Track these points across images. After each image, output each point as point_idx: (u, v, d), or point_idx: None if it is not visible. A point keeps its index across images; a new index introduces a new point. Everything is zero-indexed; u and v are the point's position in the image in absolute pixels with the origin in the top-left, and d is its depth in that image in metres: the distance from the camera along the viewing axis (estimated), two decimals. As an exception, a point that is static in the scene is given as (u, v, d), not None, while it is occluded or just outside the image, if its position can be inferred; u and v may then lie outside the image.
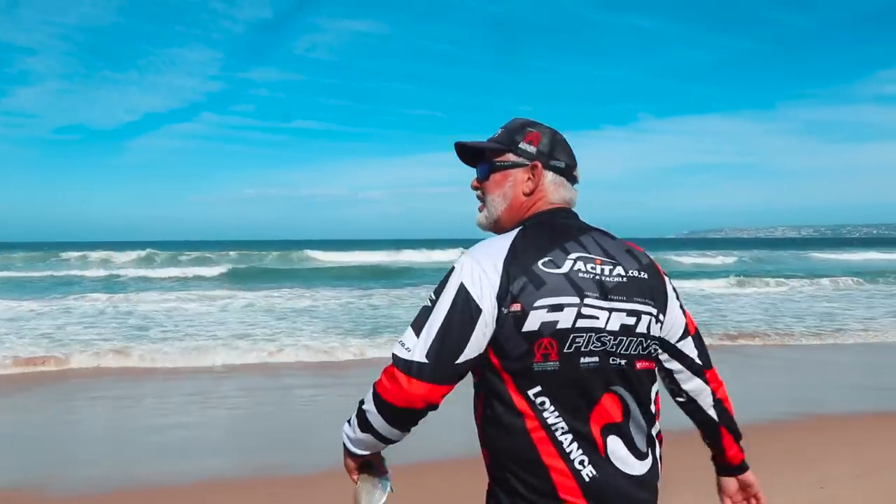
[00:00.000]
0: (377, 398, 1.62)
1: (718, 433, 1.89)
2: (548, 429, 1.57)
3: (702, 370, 1.83)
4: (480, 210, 1.84)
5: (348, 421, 1.73)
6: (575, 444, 1.58)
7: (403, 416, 1.61)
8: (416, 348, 1.57)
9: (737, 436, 1.90)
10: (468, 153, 1.86)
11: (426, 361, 1.55)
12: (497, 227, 1.79)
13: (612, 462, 1.61)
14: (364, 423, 1.67)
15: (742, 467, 1.93)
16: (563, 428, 1.58)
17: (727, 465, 1.93)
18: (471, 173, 1.87)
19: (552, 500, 1.58)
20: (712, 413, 1.86)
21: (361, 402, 1.67)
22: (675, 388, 1.85)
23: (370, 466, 1.80)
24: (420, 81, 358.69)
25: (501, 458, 1.63)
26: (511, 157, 1.77)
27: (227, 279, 29.20)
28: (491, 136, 1.82)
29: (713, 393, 1.85)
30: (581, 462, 1.58)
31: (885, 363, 11.02)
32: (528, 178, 1.75)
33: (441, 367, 1.56)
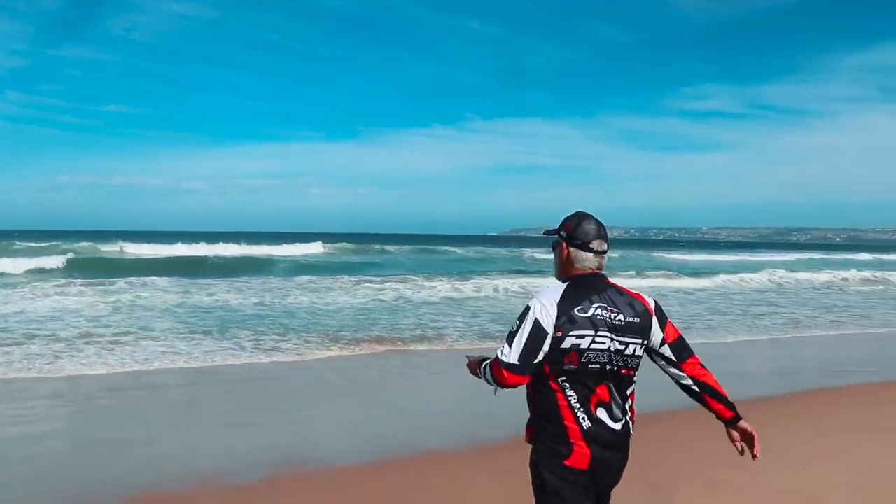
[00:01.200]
0: (493, 376, 2.93)
1: (703, 399, 3.03)
2: (567, 401, 2.86)
3: (677, 364, 3.01)
4: (555, 264, 3.14)
5: (487, 366, 2.98)
6: (581, 411, 2.85)
7: (505, 388, 2.93)
8: (511, 355, 2.83)
9: (719, 399, 3.01)
10: (551, 233, 3.13)
11: (517, 363, 2.83)
12: (557, 275, 3.10)
13: (599, 420, 2.87)
14: (491, 381, 2.96)
15: (734, 420, 3.03)
16: (574, 400, 2.85)
17: (723, 420, 3.06)
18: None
19: (565, 441, 2.85)
20: (694, 387, 3.02)
21: (488, 367, 2.96)
22: (666, 374, 3.07)
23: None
24: (248, 70, 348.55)
25: (539, 415, 2.93)
26: (554, 239, 3.10)
27: (38, 273, 27.37)
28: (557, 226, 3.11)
29: (688, 375, 3.01)
30: (583, 419, 2.85)
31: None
32: (563, 251, 3.04)
33: (525, 366, 2.84)
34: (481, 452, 6.59)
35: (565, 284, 2.97)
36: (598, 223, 3.02)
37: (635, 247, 78.31)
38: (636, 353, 2.95)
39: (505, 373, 2.86)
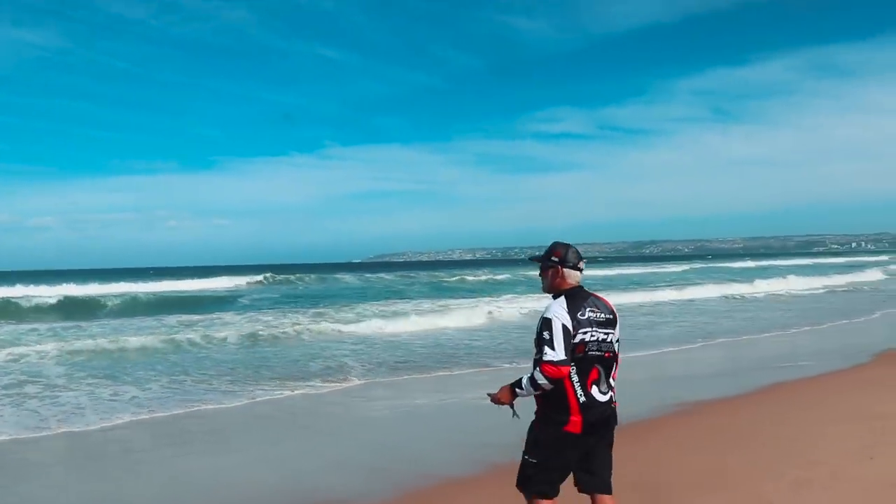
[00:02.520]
0: (545, 376, 3.74)
1: None
2: (571, 381, 3.82)
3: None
4: (543, 283, 4.15)
5: (520, 385, 3.86)
6: (580, 387, 3.84)
7: (558, 381, 3.78)
8: (558, 353, 3.74)
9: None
10: (535, 260, 4.19)
11: (566, 357, 3.76)
12: (548, 291, 4.09)
13: (592, 395, 3.87)
14: (537, 387, 3.79)
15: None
16: (576, 381, 3.83)
17: None
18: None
19: (566, 412, 3.82)
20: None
21: (532, 378, 3.79)
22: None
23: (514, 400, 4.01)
24: (98, 100, 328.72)
25: (548, 395, 3.85)
26: (548, 263, 4.07)
27: None
28: (543, 253, 4.12)
29: None
30: (580, 395, 3.84)
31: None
32: (556, 272, 4.03)
33: (569, 358, 3.78)
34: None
35: (563, 297, 3.94)
36: (576, 249, 4.09)
37: (501, 266, 79.16)
38: (613, 341, 4.02)
39: (559, 367, 3.73)
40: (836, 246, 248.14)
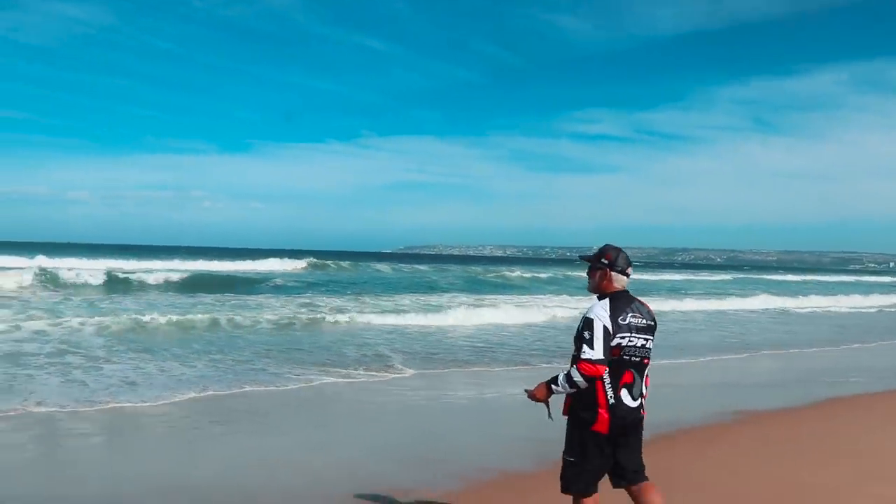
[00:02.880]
0: (583, 374, 3.88)
1: None
2: (602, 382, 3.95)
3: None
4: (589, 283, 4.25)
5: (556, 382, 4.01)
6: (611, 390, 3.96)
7: (593, 379, 3.92)
8: (596, 352, 3.88)
9: None
10: (586, 260, 4.30)
11: (603, 357, 3.89)
12: (593, 291, 4.20)
13: (621, 398, 3.99)
14: (573, 384, 3.93)
15: None
16: (607, 382, 3.95)
17: None
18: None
19: (594, 412, 3.95)
20: None
21: (568, 375, 3.93)
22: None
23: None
24: (140, 78, 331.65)
25: (579, 393, 3.99)
26: (598, 265, 4.19)
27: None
28: (594, 254, 4.24)
29: None
30: (610, 398, 3.96)
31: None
32: (604, 275, 4.15)
33: (606, 358, 3.91)
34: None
35: (608, 300, 4.02)
36: (626, 254, 4.17)
37: (533, 265, 78.73)
38: (650, 347, 4.10)
39: (596, 366, 3.86)
40: (873, 265, 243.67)
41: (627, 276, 4.14)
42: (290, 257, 50.82)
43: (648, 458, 4.23)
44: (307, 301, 22.76)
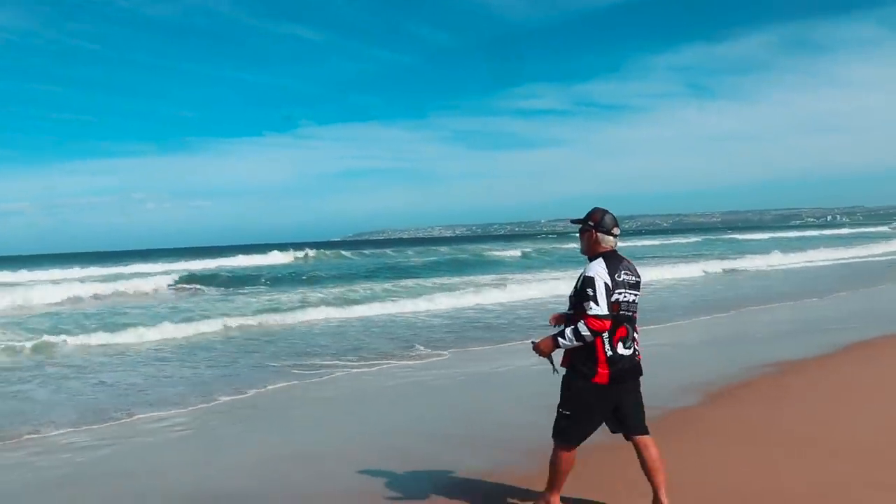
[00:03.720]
0: (590, 329, 4.07)
1: None
2: (601, 337, 4.15)
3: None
4: (581, 245, 4.47)
5: (563, 335, 4.19)
6: (608, 343, 4.16)
7: (600, 334, 4.12)
8: (601, 308, 4.07)
9: None
10: (576, 222, 4.44)
11: (608, 312, 4.08)
12: (585, 253, 4.41)
13: (617, 349, 4.19)
14: (579, 338, 4.11)
15: None
16: (606, 337, 4.15)
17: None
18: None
19: (594, 365, 4.18)
20: None
21: (576, 329, 4.11)
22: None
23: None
24: (67, 83, 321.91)
25: (578, 348, 4.18)
26: (585, 227, 4.39)
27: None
28: (583, 217, 4.41)
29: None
30: (608, 350, 4.16)
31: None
32: (591, 236, 4.36)
33: (610, 313, 4.10)
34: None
35: (602, 259, 4.26)
36: (612, 215, 4.41)
37: (486, 241, 79.20)
38: (637, 302, 4.35)
39: (603, 321, 4.09)
40: (811, 219, 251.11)
41: (614, 236, 4.36)
42: (246, 253, 50.03)
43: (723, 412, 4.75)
44: (314, 295, 22.06)
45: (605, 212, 4.39)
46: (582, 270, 4.29)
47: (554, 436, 4.40)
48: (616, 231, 4.38)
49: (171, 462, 6.55)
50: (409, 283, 25.92)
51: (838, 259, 34.24)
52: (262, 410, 8.46)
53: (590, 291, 4.10)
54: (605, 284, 4.12)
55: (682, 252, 45.77)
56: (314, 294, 22.08)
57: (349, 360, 11.23)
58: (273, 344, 13.35)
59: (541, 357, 4.43)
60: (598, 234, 4.34)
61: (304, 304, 19.12)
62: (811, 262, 32.47)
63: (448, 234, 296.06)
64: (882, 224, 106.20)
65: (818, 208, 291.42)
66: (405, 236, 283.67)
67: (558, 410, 4.36)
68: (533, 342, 4.43)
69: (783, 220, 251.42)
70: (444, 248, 59.67)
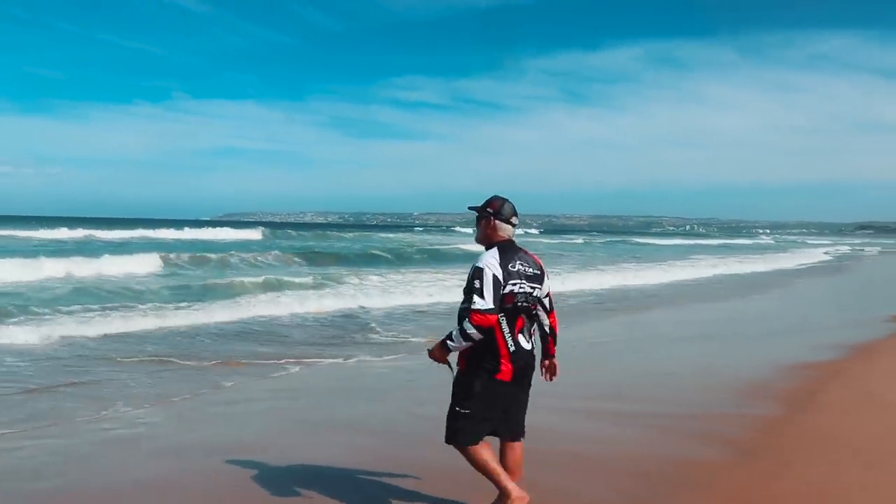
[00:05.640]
0: (475, 326, 3.85)
1: (547, 340, 4.33)
2: (501, 332, 3.99)
3: (548, 312, 4.32)
4: (476, 233, 4.32)
5: (451, 339, 3.97)
6: (510, 338, 4.01)
7: (486, 331, 3.89)
8: (488, 301, 3.86)
9: (555, 340, 4.35)
10: (475, 209, 4.26)
11: (494, 306, 3.88)
12: (481, 242, 4.26)
13: (520, 343, 4.05)
14: (467, 337, 3.90)
15: (553, 356, 4.36)
16: (507, 331, 4.00)
17: (547, 354, 4.36)
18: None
19: (497, 361, 3.99)
20: (548, 332, 4.32)
21: (462, 330, 3.91)
22: (539, 318, 4.25)
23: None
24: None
25: (480, 345, 3.96)
26: (483, 214, 4.22)
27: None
28: (480, 204, 4.26)
29: (549, 323, 4.32)
30: (510, 345, 4.01)
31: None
32: (489, 223, 4.19)
33: (496, 308, 3.89)
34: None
35: (496, 249, 4.05)
36: (512, 204, 4.21)
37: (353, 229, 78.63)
38: (537, 295, 4.15)
39: (487, 316, 3.83)
40: (671, 228, 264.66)
41: (513, 225, 4.21)
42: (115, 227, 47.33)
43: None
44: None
45: (505, 200, 4.24)
46: (475, 261, 4.07)
47: (450, 440, 4.12)
48: (514, 220, 4.23)
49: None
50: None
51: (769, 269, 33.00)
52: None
53: (476, 283, 3.91)
54: (494, 276, 3.92)
55: (585, 254, 45.62)
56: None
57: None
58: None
59: (440, 364, 4.17)
60: (497, 221, 4.17)
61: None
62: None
63: (321, 220, 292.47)
64: (739, 237, 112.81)
65: (676, 217, 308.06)
66: (277, 220, 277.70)
67: (453, 410, 4.11)
68: (428, 350, 4.18)
69: (645, 227, 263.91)
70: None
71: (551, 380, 4.40)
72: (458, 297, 4.13)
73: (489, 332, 3.92)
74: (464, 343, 3.93)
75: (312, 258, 30.34)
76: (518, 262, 4.06)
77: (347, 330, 12.10)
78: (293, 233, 56.90)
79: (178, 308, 13.23)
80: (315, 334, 11.75)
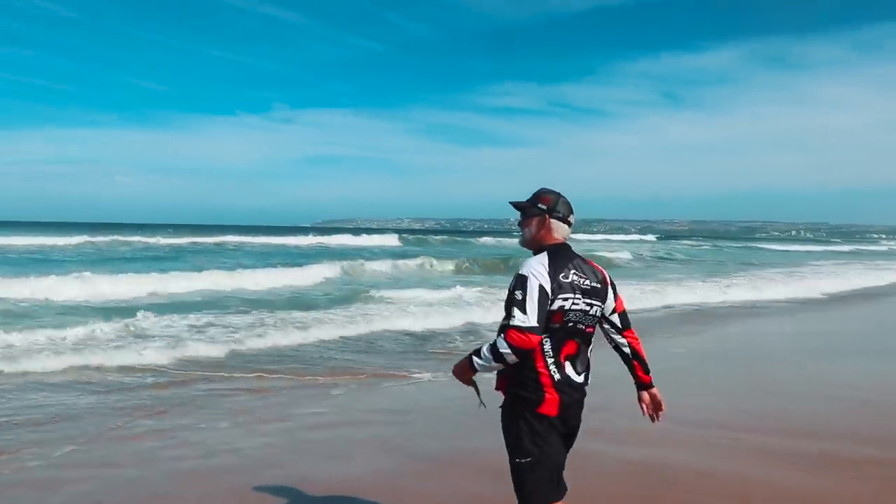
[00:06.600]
0: (511, 346, 3.12)
1: (632, 364, 3.51)
2: (543, 356, 3.21)
3: (621, 331, 3.49)
4: (523, 235, 3.49)
5: (478, 356, 3.23)
6: (553, 364, 3.22)
7: (525, 353, 3.15)
8: (530, 318, 3.10)
9: (644, 365, 3.52)
10: (517, 207, 3.47)
11: (538, 324, 3.12)
12: (528, 245, 3.47)
13: (566, 373, 3.25)
14: (498, 357, 3.16)
15: (650, 385, 3.53)
16: (550, 355, 3.22)
17: (641, 383, 3.54)
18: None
19: (538, 391, 3.21)
20: (628, 353, 3.50)
21: (493, 346, 3.17)
22: (609, 339, 3.52)
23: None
24: (42, 49, 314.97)
25: (515, 369, 3.22)
26: (533, 210, 3.43)
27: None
28: (528, 199, 3.45)
29: (628, 343, 3.50)
30: (554, 372, 3.23)
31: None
32: (542, 222, 3.40)
33: (542, 326, 3.15)
34: None
35: (545, 254, 3.32)
36: (567, 199, 3.47)
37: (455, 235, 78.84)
38: (597, 314, 3.39)
39: (528, 335, 3.11)
40: (776, 233, 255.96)
41: (569, 224, 3.46)
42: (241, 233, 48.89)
43: None
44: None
45: (559, 194, 3.46)
46: (518, 268, 3.31)
47: (524, 500, 3.33)
48: (571, 219, 3.47)
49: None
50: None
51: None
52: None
53: (518, 295, 3.16)
54: (541, 287, 3.16)
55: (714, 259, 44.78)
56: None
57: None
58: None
59: (465, 386, 3.47)
60: (552, 220, 3.41)
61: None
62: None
63: (417, 226, 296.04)
64: (859, 242, 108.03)
65: (782, 222, 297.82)
66: (374, 226, 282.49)
67: (513, 463, 3.32)
68: (454, 367, 3.46)
69: (749, 232, 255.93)
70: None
71: (657, 419, 3.56)
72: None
73: (527, 355, 3.19)
74: (493, 363, 3.20)
75: (488, 266, 30.61)
76: (572, 271, 3.30)
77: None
78: (425, 238, 57.69)
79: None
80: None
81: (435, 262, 29.49)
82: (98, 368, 9.18)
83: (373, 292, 17.48)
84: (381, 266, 26.56)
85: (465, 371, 3.37)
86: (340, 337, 11.78)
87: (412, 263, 28.27)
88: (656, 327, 13.29)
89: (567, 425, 3.34)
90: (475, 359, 3.26)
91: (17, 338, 10.45)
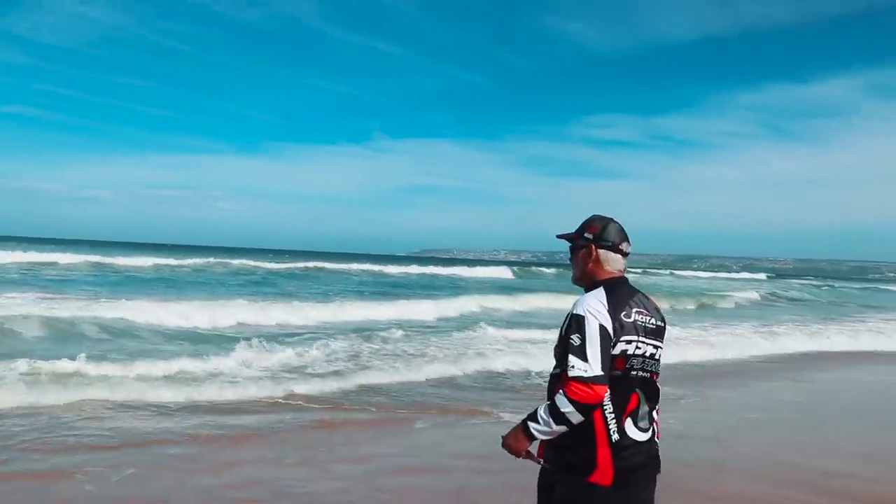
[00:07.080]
0: (574, 402, 2.63)
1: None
2: (602, 411, 2.71)
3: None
4: (573, 270, 3.02)
5: (534, 420, 2.74)
6: (613, 421, 2.72)
7: (591, 409, 2.66)
8: (593, 367, 2.62)
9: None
10: (565, 238, 3.03)
11: (603, 373, 2.64)
12: (578, 282, 3.01)
13: (627, 432, 2.74)
14: (559, 419, 2.66)
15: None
16: (609, 410, 2.71)
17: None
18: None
19: (590, 455, 2.70)
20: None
21: (552, 407, 2.68)
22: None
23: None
24: (155, 79, 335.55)
25: (566, 432, 2.73)
26: (580, 242, 2.99)
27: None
28: (576, 229, 3.02)
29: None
30: (613, 431, 2.72)
31: None
32: (589, 254, 2.95)
33: (608, 375, 2.67)
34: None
35: (602, 290, 2.87)
36: (619, 225, 3.02)
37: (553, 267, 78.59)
38: (660, 358, 2.94)
39: (593, 387, 2.65)
40: (892, 273, 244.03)
41: (623, 254, 2.97)
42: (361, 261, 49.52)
43: None
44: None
45: (609, 220, 3.01)
46: (571, 308, 2.84)
47: None
48: (626, 247, 2.98)
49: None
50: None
51: None
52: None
53: (575, 339, 2.69)
54: (601, 328, 2.70)
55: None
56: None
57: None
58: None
59: (519, 458, 2.92)
60: (601, 251, 2.93)
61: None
62: None
63: (514, 258, 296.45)
64: None
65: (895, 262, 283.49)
66: (471, 257, 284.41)
67: None
68: (502, 438, 2.92)
69: (861, 273, 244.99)
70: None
71: None
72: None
73: (589, 412, 2.69)
74: (554, 427, 2.71)
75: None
76: (634, 308, 2.85)
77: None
78: (538, 269, 58.31)
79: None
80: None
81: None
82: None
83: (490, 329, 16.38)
84: (498, 302, 26.62)
85: (518, 441, 2.83)
86: (450, 376, 10.97)
87: (532, 299, 28.14)
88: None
89: (628, 496, 2.76)
90: (531, 424, 2.76)
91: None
